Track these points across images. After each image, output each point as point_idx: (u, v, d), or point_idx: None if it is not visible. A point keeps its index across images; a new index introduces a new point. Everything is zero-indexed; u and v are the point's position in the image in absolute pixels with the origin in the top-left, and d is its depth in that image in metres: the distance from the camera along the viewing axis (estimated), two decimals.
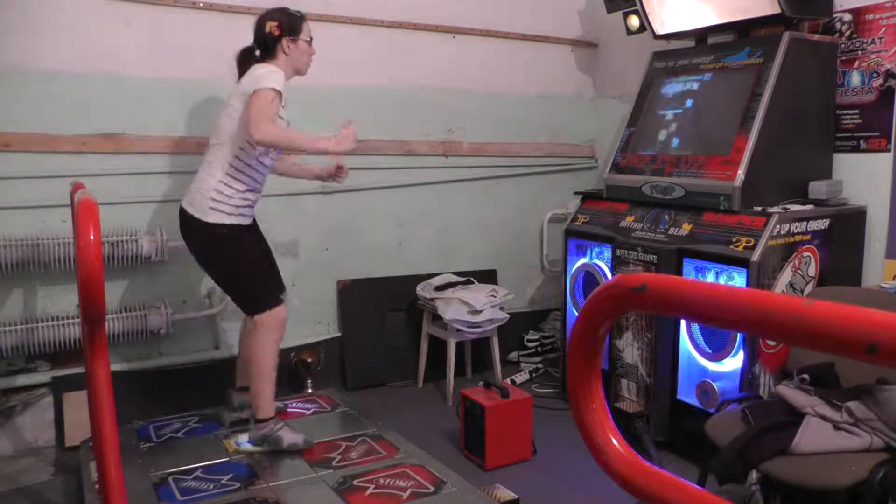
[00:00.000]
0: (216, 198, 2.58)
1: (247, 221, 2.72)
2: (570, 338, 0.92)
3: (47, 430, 3.07)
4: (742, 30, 3.17)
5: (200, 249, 2.71)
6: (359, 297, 3.78)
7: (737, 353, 2.69)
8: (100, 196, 1.74)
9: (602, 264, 3.31)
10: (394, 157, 3.83)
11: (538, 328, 4.29)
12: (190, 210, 2.61)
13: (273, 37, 2.64)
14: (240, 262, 2.66)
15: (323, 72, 3.12)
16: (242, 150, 2.61)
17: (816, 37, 3.04)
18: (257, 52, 2.70)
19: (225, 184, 2.60)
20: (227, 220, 2.61)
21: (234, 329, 3.40)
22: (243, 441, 2.74)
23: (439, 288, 3.65)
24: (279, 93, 2.51)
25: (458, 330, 3.51)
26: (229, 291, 2.80)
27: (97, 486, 2.12)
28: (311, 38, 2.74)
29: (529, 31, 4.18)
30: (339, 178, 2.98)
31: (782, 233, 2.68)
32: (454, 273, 3.86)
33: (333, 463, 2.64)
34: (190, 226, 2.64)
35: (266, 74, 2.54)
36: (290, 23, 2.67)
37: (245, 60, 2.71)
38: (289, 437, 2.72)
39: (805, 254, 2.76)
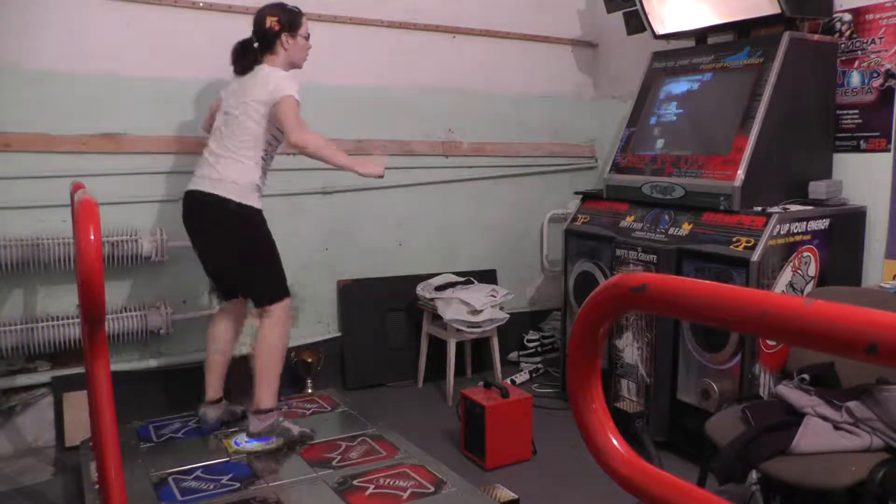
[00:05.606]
0: (253, 187, 2.70)
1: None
2: (570, 338, 0.92)
3: (47, 430, 3.07)
4: (742, 30, 3.17)
5: (225, 231, 2.71)
6: (359, 297, 3.78)
7: (736, 353, 2.69)
8: (100, 196, 1.74)
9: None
10: (394, 157, 3.82)
11: (538, 328, 4.29)
12: (222, 193, 2.64)
13: (273, 32, 2.72)
14: (268, 244, 2.75)
15: (323, 72, 3.12)
16: (265, 150, 2.73)
17: (816, 37, 3.04)
18: (255, 45, 2.77)
19: (260, 177, 2.73)
20: (259, 206, 2.74)
21: None
22: (243, 441, 2.74)
23: (439, 288, 3.65)
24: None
25: (458, 330, 3.51)
26: (250, 276, 2.77)
27: (97, 486, 2.12)
28: (309, 34, 2.81)
29: (529, 31, 4.18)
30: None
31: (782, 233, 2.68)
32: (454, 273, 3.86)
33: (333, 463, 2.64)
34: (216, 208, 2.66)
35: (284, 82, 2.65)
36: (290, 18, 2.74)
37: (243, 53, 2.78)
38: (295, 427, 2.78)
39: (805, 254, 2.76)
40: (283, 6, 2.76)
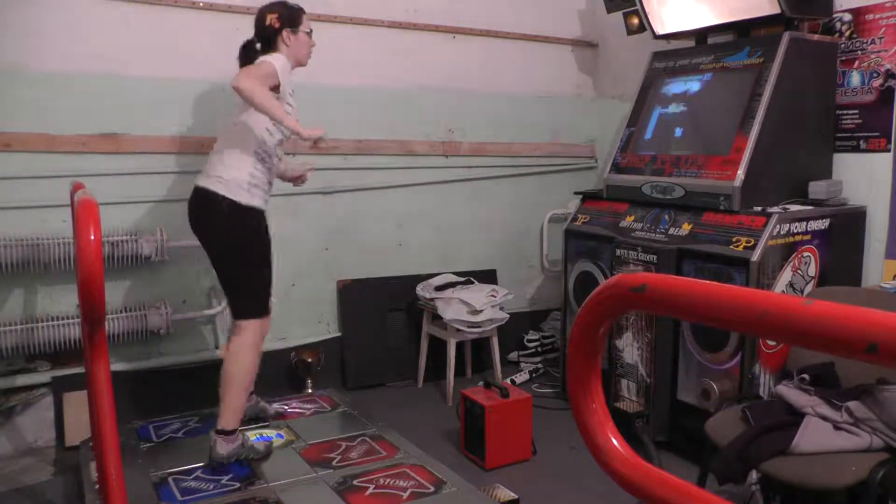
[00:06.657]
0: (252, 182, 2.58)
1: (266, 208, 2.70)
2: (570, 338, 0.92)
3: (47, 430, 3.07)
4: (742, 30, 3.17)
5: (221, 232, 2.58)
6: (359, 297, 3.77)
7: (736, 353, 2.69)
8: (100, 196, 1.74)
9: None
10: (394, 157, 3.83)
11: (538, 328, 4.29)
12: (222, 191, 2.53)
13: (273, 29, 2.66)
14: (259, 254, 2.62)
15: (323, 71, 3.12)
16: (264, 140, 2.62)
17: (816, 37, 3.04)
18: (258, 46, 2.72)
19: (258, 169, 2.60)
20: (260, 205, 2.62)
21: None
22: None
23: (439, 288, 3.65)
24: (276, 75, 2.54)
25: (458, 330, 3.51)
26: (234, 283, 2.64)
27: (97, 486, 2.12)
28: (311, 30, 2.75)
29: (529, 31, 4.18)
30: (300, 182, 3.02)
31: (782, 233, 2.68)
32: (454, 273, 3.86)
33: (333, 463, 2.64)
34: (216, 207, 2.54)
35: (271, 57, 2.59)
36: (290, 15, 2.69)
37: (246, 54, 2.71)
38: (259, 443, 2.71)
39: (805, 254, 2.77)
40: (283, 3, 2.71)
